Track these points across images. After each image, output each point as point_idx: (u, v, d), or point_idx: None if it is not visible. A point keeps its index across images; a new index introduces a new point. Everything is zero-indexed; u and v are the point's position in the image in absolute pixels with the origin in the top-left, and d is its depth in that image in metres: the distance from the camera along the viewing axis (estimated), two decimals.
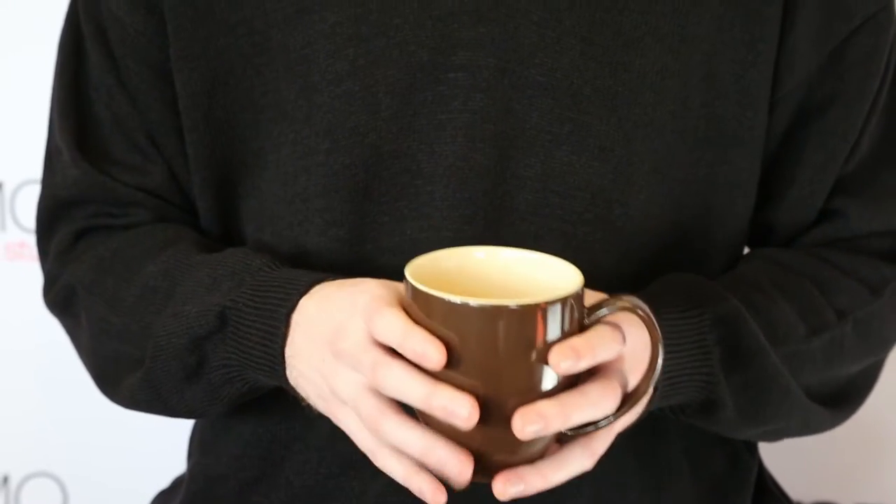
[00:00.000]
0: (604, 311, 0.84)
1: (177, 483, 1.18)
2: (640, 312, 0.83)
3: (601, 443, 0.87)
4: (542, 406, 0.81)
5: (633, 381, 0.86)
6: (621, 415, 0.85)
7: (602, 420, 0.85)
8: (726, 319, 0.96)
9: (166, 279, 1.01)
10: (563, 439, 0.86)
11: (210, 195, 1.05)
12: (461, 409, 0.81)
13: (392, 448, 0.85)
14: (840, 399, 1.06)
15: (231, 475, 1.07)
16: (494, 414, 0.81)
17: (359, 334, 0.86)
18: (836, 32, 1.02)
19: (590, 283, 0.86)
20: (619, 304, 0.83)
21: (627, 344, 0.85)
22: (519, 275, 0.88)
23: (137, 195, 1.07)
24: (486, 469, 0.84)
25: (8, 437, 1.48)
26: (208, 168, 1.04)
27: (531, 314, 0.81)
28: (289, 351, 0.92)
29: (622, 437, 1.02)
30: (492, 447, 0.83)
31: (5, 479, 1.49)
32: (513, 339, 0.81)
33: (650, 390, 0.88)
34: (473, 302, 0.80)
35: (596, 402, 0.83)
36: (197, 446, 1.12)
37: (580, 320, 0.83)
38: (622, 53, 0.98)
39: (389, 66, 0.98)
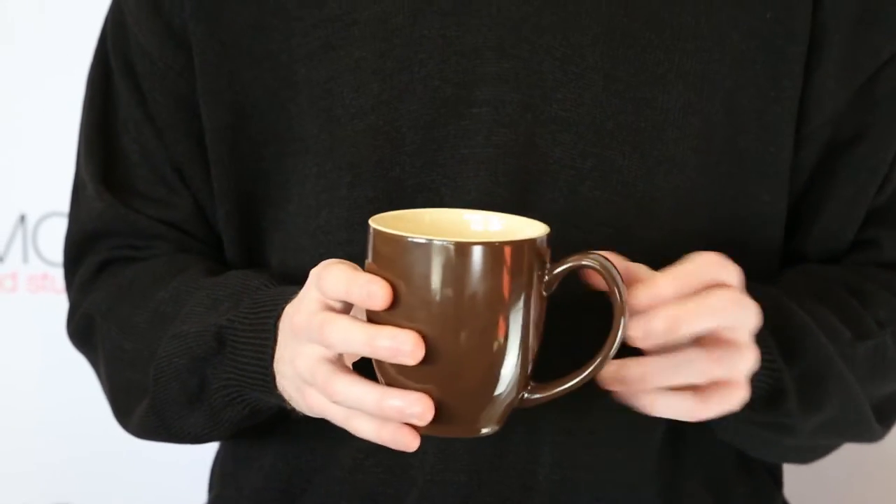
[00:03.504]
0: (568, 264, 0.84)
1: None
2: (605, 270, 0.83)
3: None
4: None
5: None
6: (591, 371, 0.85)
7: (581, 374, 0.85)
8: (773, 307, 0.95)
9: (175, 304, 1.02)
10: (524, 404, 0.86)
11: (235, 227, 1.05)
12: (405, 344, 0.81)
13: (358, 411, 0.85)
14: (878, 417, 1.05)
15: None
16: (450, 360, 0.82)
17: (311, 304, 0.86)
18: (863, 68, 1.02)
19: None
20: (585, 258, 0.84)
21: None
22: (484, 232, 0.89)
23: (160, 228, 1.08)
24: (449, 417, 0.84)
25: (27, 469, 1.48)
26: (233, 201, 1.05)
27: (494, 253, 0.81)
28: (276, 358, 0.93)
29: (644, 469, 1.01)
30: (456, 391, 0.83)
31: None
32: (475, 278, 0.81)
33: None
34: (432, 240, 0.81)
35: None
36: (218, 478, 1.12)
37: (541, 270, 0.84)
38: (645, 90, 0.98)
39: (413, 101, 0.98)
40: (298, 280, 1.01)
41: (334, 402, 0.86)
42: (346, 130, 0.99)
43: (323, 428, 1.01)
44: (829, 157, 1.04)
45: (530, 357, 0.85)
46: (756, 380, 0.93)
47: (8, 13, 1.42)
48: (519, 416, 0.99)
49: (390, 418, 0.84)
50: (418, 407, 0.83)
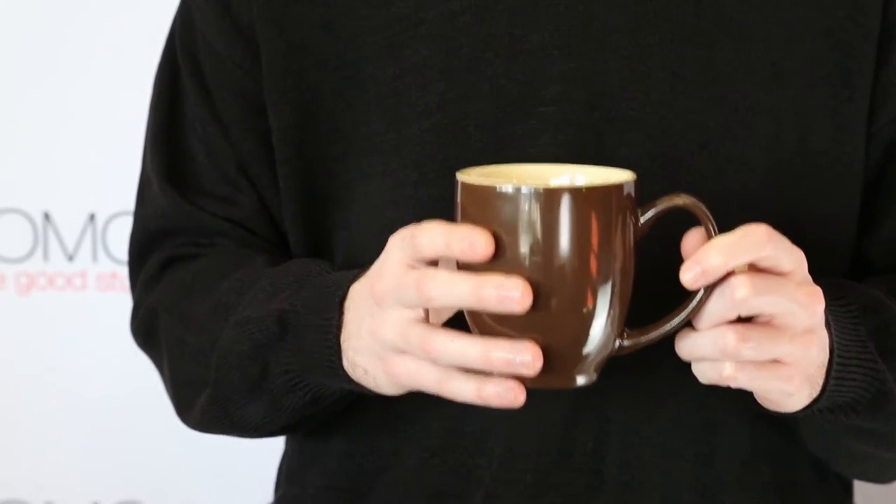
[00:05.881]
0: (657, 207, 0.85)
1: None
2: (697, 207, 0.84)
3: None
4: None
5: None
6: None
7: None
8: (872, 308, 0.94)
9: (238, 294, 1.02)
10: (621, 351, 0.86)
11: (301, 227, 1.06)
12: (513, 290, 0.80)
13: (456, 369, 0.84)
14: None
15: None
16: (549, 309, 0.82)
17: (396, 266, 0.85)
18: None
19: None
20: (676, 198, 0.85)
21: None
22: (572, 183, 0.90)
23: (224, 225, 1.08)
24: (548, 368, 0.83)
25: (97, 465, 1.50)
26: (299, 200, 1.05)
27: (584, 198, 0.82)
28: (343, 336, 0.92)
29: (714, 472, 1.00)
30: (552, 340, 0.83)
31: None
32: (568, 224, 0.82)
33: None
34: (531, 187, 0.82)
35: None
36: (284, 477, 1.12)
37: (632, 215, 0.85)
38: (713, 88, 0.98)
39: (479, 100, 0.98)
40: None
41: (433, 360, 0.84)
42: (413, 129, 0.99)
43: (389, 426, 1.02)
44: (893, 156, 1.03)
45: (625, 303, 0.85)
46: (859, 377, 0.92)
47: (80, 17, 1.44)
48: (587, 416, 0.98)
49: (498, 369, 0.82)
50: (527, 355, 0.81)
